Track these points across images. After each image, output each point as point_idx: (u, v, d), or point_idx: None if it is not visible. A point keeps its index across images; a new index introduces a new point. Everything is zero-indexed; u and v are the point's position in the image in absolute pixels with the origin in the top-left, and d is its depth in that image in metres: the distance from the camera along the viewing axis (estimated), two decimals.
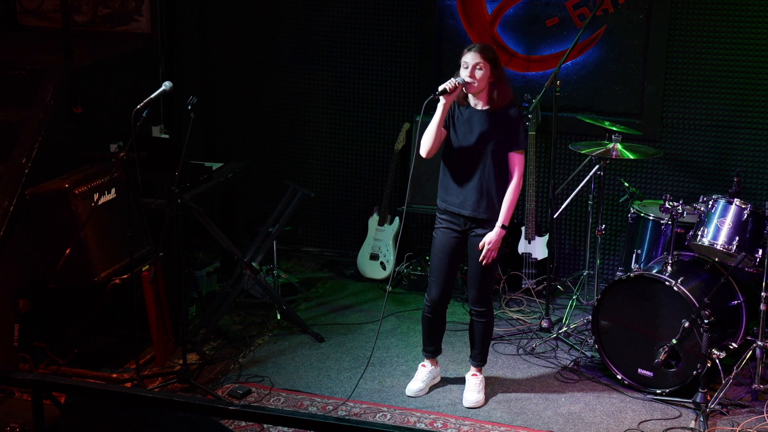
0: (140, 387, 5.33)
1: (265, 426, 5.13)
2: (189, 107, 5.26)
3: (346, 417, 5.22)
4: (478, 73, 5.13)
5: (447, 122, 5.23)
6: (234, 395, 5.46)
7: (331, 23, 7.20)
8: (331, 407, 5.35)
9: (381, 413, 5.33)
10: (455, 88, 5.11)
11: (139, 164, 5.35)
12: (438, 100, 5.13)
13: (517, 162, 5.23)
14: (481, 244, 5.22)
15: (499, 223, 5.21)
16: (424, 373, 5.58)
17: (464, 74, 5.14)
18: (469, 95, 5.23)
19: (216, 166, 6.65)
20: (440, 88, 5.09)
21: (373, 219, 7.10)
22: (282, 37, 7.33)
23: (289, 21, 7.29)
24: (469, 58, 5.15)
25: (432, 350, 5.59)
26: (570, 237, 6.99)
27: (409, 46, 7.09)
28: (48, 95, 5.87)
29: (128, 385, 5.41)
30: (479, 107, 5.23)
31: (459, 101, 5.24)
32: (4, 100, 6.13)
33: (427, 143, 5.19)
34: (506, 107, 5.22)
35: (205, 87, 7.45)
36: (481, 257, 5.22)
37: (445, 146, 5.28)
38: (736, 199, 5.50)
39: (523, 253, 6.75)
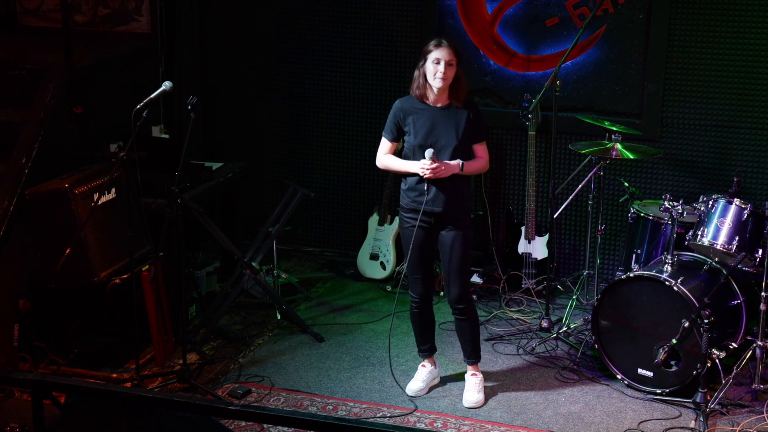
0: (140, 387, 5.33)
1: (265, 426, 5.14)
2: (189, 107, 5.27)
3: (346, 417, 5.22)
4: (450, 71, 5.06)
5: (397, 133, 5.27)
6: (234, 395, 5.46)
7: (331, 23, 7.20)
8: (331, 407, 5.35)
9: (381, 413, 5.34)
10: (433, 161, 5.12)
11: (139, 164, 5.35)
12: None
13: (481, 152, 5.27)
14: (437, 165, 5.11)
15: (462, 162, 5.15)
16: (424, 373, 5.58)
17: (431, 68, 5.05)
18: (429, 93, 5.17)
19: (216, 166, 6.65)
20: (425, 174, 5.11)
21: (373, 219, 7.10)
22: (282, 37, 7.32)
23: (289, 21, 7.28)
24: (442, 55, 5.05)
25: (426, 348, 5.58)
26: (570, 237, 6.99)
27: (409, 46, 7.08)
28: (48, 95, 5.87)
29: (128, 385, 5.41)
30: (439, 105, 5.18)
31: (420, 98, 5.18)
32: (4, 100, 6.12)
33: (383, 167, 5.38)
34: (465, 101, 5.20)
35: (205, 87, 7.45)
36: (429, 165, 5.09)
37: (407, 147, 5.26)
38: (736, 199, 5.50)
39: (523, 253, 6.75)
